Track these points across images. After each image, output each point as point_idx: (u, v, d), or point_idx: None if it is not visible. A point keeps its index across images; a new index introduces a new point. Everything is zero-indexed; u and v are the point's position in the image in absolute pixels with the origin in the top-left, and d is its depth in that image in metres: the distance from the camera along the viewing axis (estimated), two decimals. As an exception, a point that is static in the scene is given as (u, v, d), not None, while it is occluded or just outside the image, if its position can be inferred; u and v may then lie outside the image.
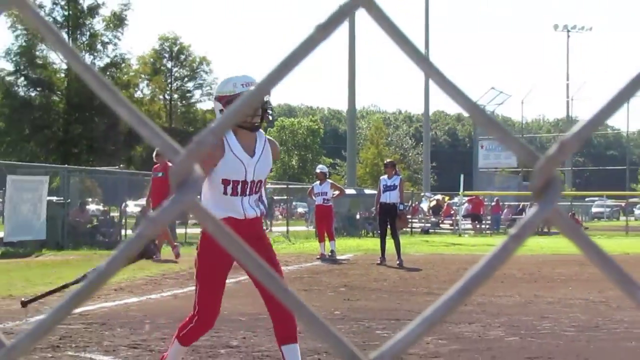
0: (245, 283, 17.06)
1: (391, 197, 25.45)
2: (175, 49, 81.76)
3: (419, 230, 54.05)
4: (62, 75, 73.17)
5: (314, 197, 28.37)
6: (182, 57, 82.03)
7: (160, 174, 24.28)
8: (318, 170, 29.01)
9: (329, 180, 28.53)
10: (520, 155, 1.10)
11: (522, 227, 1.08)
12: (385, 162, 27.50)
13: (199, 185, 1.12)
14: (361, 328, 11.71)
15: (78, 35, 73.03)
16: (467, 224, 57.43)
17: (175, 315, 12.77)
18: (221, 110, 8.37)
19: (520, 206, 60.89)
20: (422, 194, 68.74)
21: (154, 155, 24.94)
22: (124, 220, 35.26)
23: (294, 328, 8.00)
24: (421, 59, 1.11)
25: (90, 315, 12.72)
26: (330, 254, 26.66)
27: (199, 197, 1.14)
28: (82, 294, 1.11)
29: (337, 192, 28.67)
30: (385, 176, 25.84)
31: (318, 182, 28.11)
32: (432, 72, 1.10)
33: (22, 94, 72.82)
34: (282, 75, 1.10)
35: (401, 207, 25.52)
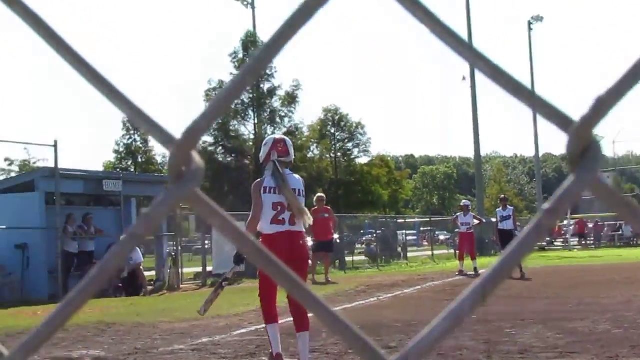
0: (400, 297, 17.22)
1: (507, 225, 25.55)
2: (337, 117, 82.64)
3: (536, 248, 53.22)
4: (251, 143, 75.20)
5: (458, 225, 28.22)
6: (342, 123, 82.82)
7: (326, 215, 25.19)
8: (462, 204, 28.95)
9: (471, 212, 28.45)
10: (552, 119, 0.78)
11: (558, 199, 0.80)
12: (500, 197, 27.58)
13: (198, 175, 0.88)
14: (493, 328, 11.64)
15: (261, 112, 74.84)
16: (574, 241, 56.81)
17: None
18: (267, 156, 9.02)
19: (618, 225, 59.52)
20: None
21: (314, 200, 25.48)
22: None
23: (307, 320, 8.36)
24: (464, 46, 0.79)
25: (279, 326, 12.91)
26: (473, 272, 26.41)
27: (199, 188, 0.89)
28: (74, 302, 0.91)
29: (477, 222, 28.60)
30: (500, 208, 26.05)
31: (462, 213, 27.96)
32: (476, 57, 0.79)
33: (220, 159, 75.34)
34: (278, 48, 0.87)
35: (516, 232, 25.45)
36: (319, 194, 26.56)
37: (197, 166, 0.88)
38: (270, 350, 8.61)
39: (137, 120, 0.92)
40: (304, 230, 8.68)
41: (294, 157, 9.23)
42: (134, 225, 0.86)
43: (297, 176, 9.20)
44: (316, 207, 25.05)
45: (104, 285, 0.97)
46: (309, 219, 8.59)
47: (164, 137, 0.90)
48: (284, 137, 9.59)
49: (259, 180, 8.89)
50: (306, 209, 8.60)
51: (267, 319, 8.62)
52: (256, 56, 0.89)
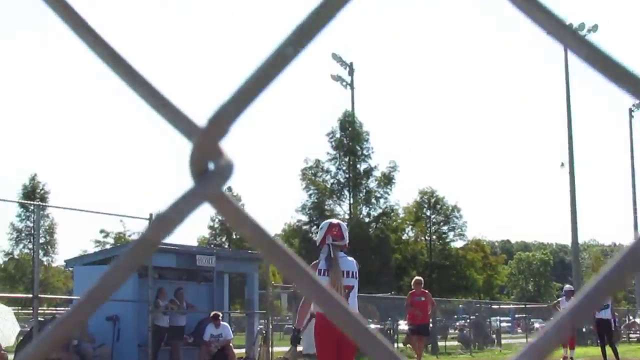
0: None
1: (605, 314, 24.91)
2: (433, 200, 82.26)
3: (635, 339, 51.70)
4: (345, 223, 75.20)
5: (559, 310, 27.56)
6: (438, 206, 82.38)
7: (422, 298, 24.74)
8: (566, 288, 28.36)
9: (573, 297, 27.81)
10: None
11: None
12: None
13: (227, 172, 0.72)
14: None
15: (357, 192, 75.11)
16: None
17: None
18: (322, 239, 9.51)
19: None
20: (637, 311, 66.19)
21: (412, 283, 25.34)
22: (396, 336, 35.37)
23: None
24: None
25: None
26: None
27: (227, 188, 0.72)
28: (81, 309, 0.79)
29: None
30: None
31: (564, 298, 27.26)
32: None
33: (315, 239, 75.27)
34: (320, 25, 0.74)
35: (614, 321, 24.91)
36: (416, 277, 26.32)
37: (225, 161, 0.71)
38: None
39: (157, 106, 0.76)
40: (356, 309, 8.72)
41: (347, 240, 9.75)
42: (147, 229, 0.73)
43: (351, 259, 9.62)
44: (413, 290, 24.96)
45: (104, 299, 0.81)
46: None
47: (187, 127, 0.73)
48: (339, 221, 10.17)
49: (315, 262, 9.39)
50: (352, 293, 9.18)
51: None
52: (300, 28, 0.73)
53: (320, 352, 9.02)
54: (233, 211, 0.73)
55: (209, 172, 0.71)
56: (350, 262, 9.49)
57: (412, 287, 25.29)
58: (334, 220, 10.20)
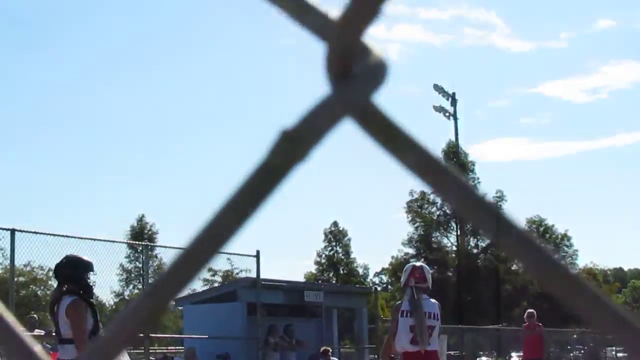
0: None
1: None
2: (541, 228, 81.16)
3: None
4: (453, 255, 74.80)
5: None
6: (547, 235, 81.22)
7: (535, 331, 24.48)
8: None
9: None
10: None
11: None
12: None
13: (376, 76, 0.51)
14: None
15: (464, 224, 74.58)
16: None
17: None
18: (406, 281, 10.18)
19: None
20: None
21: (525, 316, 25.06)
22: (508, 368, 34.84)
23: None
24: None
25: None
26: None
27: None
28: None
29: None
30: None
31: None
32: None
33: (423, 273, 75.24)
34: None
35: None
36: (529, 310, 25.98)
37: (375, 60, 0.50)
38: None
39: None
40: (437, 348, 9.81)
41: (430, 283, 10.29)
42: (270, 150, 0.53)
43: (433, 301, 10.07)
44: (527, 323, 24.78)
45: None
46: (427, 343, 9.48)
47: (319, 21, 0.52)
48: (422, 264, 10.70)
49: (398, 303, 10.09)
50: (433, 333, 9.65)
51: None
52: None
53: None
54: (385, 128, 0.52)
55: (353, 74, 0.49)
56: (432, 304, 9.97)
57: (525, 319, 25.04)
58: (417, 263, 10.75)
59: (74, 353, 8.11)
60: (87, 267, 8.50)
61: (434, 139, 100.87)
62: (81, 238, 17.79)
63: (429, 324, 9.64)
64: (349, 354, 45.71)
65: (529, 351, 24.63)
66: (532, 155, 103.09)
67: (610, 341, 46.14)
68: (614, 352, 45.24)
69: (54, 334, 8.48)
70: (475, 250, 75.76)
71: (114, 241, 20.69)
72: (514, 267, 79.41)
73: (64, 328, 8.18)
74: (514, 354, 39.09)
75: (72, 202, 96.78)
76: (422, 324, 9.46)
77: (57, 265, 8.53)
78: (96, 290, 8.49)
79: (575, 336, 47.85)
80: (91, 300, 8.51)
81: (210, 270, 63.66)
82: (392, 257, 79.90)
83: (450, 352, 30.51)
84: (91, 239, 18.26)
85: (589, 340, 43.76)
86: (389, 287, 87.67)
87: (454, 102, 71.76)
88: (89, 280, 8.49)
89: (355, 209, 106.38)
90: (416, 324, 9.51)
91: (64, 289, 8.35)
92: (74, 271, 8.41)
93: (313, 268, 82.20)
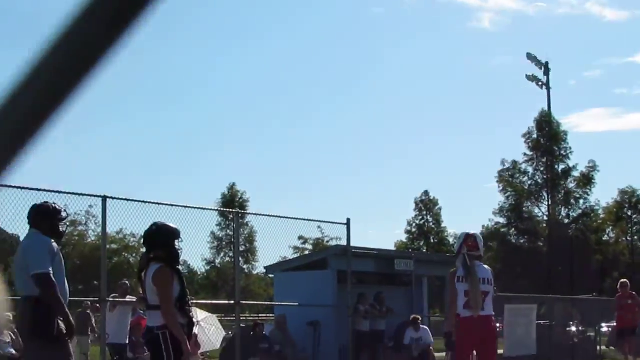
0: None
1: None
2: (634, 199, 79.70)
3: None
4: (544, 225, 74.01)
5: None
6: (639, 206, 79.80)
7: (629, 301, 24.68)
8: None
9: None
10: None
11: None
12: None
13: None
14: None
15: (555, 193, 73.67)
16: None
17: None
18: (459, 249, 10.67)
19: None
20: None
21: (618, 285, 25.64)
22: (598, 338, 34.33)
23: None
24: None
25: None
26: None
27: None
28: None
29: None
30: None
31: None
32: None
33: (513, 241, 74.74)
34: None
35: None
36: (622, 280, 25.95)
37: None
38: None
39: None
40: (492, 313, 10.35)
41: (482, 251, 10.77)
42: None
43: (486, 267, 10.69)
44: (620, 293, 25.08)
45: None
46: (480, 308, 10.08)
47: None
48: (475, 233, 10.90)
49: (453, 270, 10.42)
50: (487, 298, 10.20)
51: None
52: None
53: (460, 350, 10.26)
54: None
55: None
56: (486, 270, 10.54)
57: (619, 289, 25.27)
58: (470, 232, 10.91)
59: (161, 320, 8.22)
60: (175, 234, 8.57)
61: (526, 108, 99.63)
62: (172, 205, 17.97)
63: (483, 290, 10.16)
64: (439, 322, 45.64)
65: (622, 320, 24.81)
66: (626, 126, 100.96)
67: None
68: None
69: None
70: (566, 221, 74.80)
71: (205, 208, 20.90)
72: (605, 238, 78.35)
73: (151, 295, 8.29)
74: (604, 325, 38.58)
75: (164, 170, 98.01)
76: (476, 289, 9.98)
77: (146, 233, 8.64)
78: (187, 258, 8.60)
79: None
80: (178, 267, 8.60)
81: (301, 238, 64.09)
82: (483, 226, 79.25)
83: (540, 321, 30.21)
84: (183, 207, 18.42)
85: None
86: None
87: (547, 71, 70.75)
88: (176, 248, 8.56)
89: (446, 178, 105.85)
90: (470, 289, 10.04)
91: (152, 256, 8.46)
92: (161, 238, 8.50)
93: (404, 237, 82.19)
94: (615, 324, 26.74)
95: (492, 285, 10.40)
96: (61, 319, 8.17)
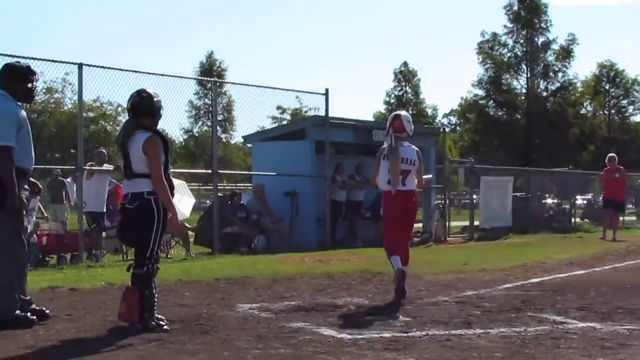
0: None
1: None
2: (612, 73, 79.67)
3: None
4: (523, 97, 74.06)
5: None
6: (618, 79, 79.79)
7: (617, 175, 25.26)
8: None
9: None
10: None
11: None
12: None
13: None
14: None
15: (534, 66, 73.53)
16: None
17: (616, 284, 12.23)
18: (388, 129, 11.20)
19: None
20: None
21: (606, 159, 25.81)
22: (573, 211, 34.69)
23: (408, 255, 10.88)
24: None
25: (546, 284, 12.40)
26: None
27: None
28: None
29: None
30: None
31: None
32: None
33: (491, 113, 74.90)
34: None
35: None
36: (610, 154, 26.12)
37: None
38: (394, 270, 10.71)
39: None
40: (414, 188, 11.06)
41: (410, 130, 11.11)
42: None
43: (413, 147, 11.14)
44: (608, 167, 25.41)
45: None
46: (423, 182, 11.45)
47: None
48: (402, 115, 11.32)
49: (382, 147, 11.16)
50: (408, 176, 10.97)
51: (389, 254, 10.85)
52: None
53: (387, 220, 11.13)
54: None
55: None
56: (410, 151, 11.04)
57: (607, 163, 25.55)
58: (401, 113, 11.45)
59: (147, 187, 8.12)
60: (160, 104, 8.42)
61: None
62: (150, 73, 17.76)
63: (403, 168, 10.90)
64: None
65: (609, 193, 25.22)
66: (609, 1, 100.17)
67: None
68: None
69: (122, 168, 8.44)
70: (544, 94, 74.87)
71: (183, 77, 20.65)
72: (582, 111, 78.53)
73: (138, 163, 8.15)
74: (579, 197, 38.94)
75: (142, 38, 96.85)
76: (396, 168, 10.81)
77: (135, 99, 8.39)
78: (165, 127, 8.43)
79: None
80: (164, 136, 8.46)
81: (279, 108, 63.86)
82: (462, 98, 79.36)
83: (517, 193, 30.45)
84: (160, 75, 18.20)
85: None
86: (458, 128, 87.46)
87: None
88: (161, 115, 8.45)
89: (426, 49, 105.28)
90: (390, 167, 10.87)
91: (138, 123, 8.29)
92: (151, 106, 8.33)
93: (382, 108, 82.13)
94: (590, 197, 26.98)
95: (415, 165, 10.99)
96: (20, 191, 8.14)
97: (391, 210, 11.05)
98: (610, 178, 25.18)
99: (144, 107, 8.31)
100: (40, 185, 16.96)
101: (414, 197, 11.14)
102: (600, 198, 28.07)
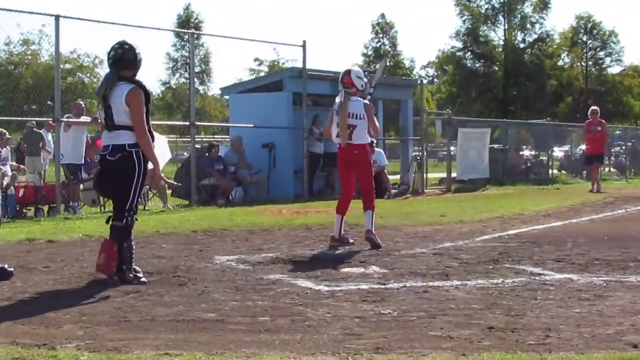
0: None
1: None
2: (589, 25, 79.61)
3: None
4: (500, 49, 73.97)
5: None
6: (595, 31, 79.74)
7: (598, 128, 25.46)
8: None
9: None
10: None
11: None
12: None
13: None
14: None
15: (512, 18, 73.39)
16: None
17: (593, 235, 12.29)
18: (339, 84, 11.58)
19: None
20: None
21: (589, 112, 25.95)
22: (551, 162, 34.82)
23: (370, 201, 11.33)
24: None
25: (524, 235, 12.44)
26: None
27: None
28: None
29: None
30: None
31: None
32: None
33: (469, 65, 74.83)
34: None
35: None
36: (593, 107, 26.37)
37: None
38: (333, 234, 11.35)
39: None
40: (366, 142, 11.44)
41: (360, 86, 11.42)
42: None
43: (362, 101, 11.47)
44: (590, 120, 25.63)
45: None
46: (376, 132, 11.75)
47: None
48: (351, 70, 11.62)
49: (337, 102, 11.46)
50: (355, 131, 11.31)
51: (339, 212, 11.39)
52: None
53: (342, 175, 11.72)
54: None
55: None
56: (358, 106, 11.37)
57: (589, 116, 25.73)
58: (349, 68, 11.67)
59: (129, 139, 8.06)
60: (141, 55, 8.33)
61: None
62: (127, 25, 17.67)
63: (350, 123, 11.26)
64: (394, 145, 45.96)
65: (591, 146, 25.60)
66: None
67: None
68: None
69: (100, 120, 8.34)
70: (522, 45, 74.80)
71: (160, 29, 20.58)
72: (560, 63, 78.52)
73: (120, 115, 8.07)
74: (556, 149, 39.05)
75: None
76: (343, 123, 11.22)
77: (117, 51, 8.26)
78: (142, 79, 8.31)
79: (617, 132, 47.68)
80: (146, 88, 8.37)
81: (256, 60, 63.53)
82: (439, 50, 79.20)
83: (494, 145, 30.52)
84: (138, 27, 18.10)
85: (630, 136, 43.56)
86: (435, 80, 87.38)
87: None
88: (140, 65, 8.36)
89: (403, 1, 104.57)
90: (339, 122, 11.28)
91: (119, 75, 8.19)
92: (133, 57, 8.24)
93: (360, 60, 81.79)
94: (567, 149, 27.12)
95: (362, 119, 11.29)
96: None
97: (341, 163, 11.53)
98: (592, 131, 25.38)
99: (127, 59, 8.22)
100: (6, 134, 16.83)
101: (361, 150, 11.38)
102: (580, 151, 28.31)
